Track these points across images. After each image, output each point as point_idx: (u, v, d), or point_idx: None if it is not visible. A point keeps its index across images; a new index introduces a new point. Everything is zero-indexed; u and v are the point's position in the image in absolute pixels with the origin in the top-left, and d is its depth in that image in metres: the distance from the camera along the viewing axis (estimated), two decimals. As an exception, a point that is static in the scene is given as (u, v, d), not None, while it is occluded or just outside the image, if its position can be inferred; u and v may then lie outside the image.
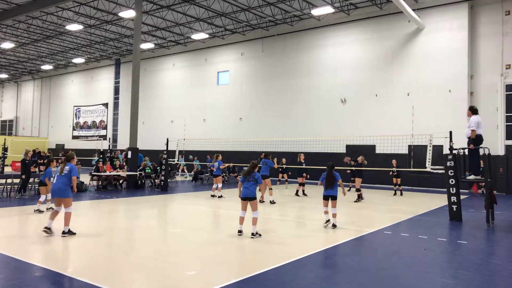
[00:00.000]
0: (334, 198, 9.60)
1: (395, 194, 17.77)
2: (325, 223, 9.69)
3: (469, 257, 7.15)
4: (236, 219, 9.20)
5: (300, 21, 26.42)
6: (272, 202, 13.66)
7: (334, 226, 9.52)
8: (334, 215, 9.61)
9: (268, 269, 6.05)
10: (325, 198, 9.66)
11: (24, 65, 42.18)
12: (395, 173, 17.56)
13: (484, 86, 20.70)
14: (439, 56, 21.40)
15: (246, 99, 29.06)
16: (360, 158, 15.89)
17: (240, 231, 8.43)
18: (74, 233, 8.13)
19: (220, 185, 15.52)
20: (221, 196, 15.28)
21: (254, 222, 8.33)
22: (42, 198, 11.05)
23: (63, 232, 8.00)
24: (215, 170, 15.89)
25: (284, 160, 19.96)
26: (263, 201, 13.82)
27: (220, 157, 15.88)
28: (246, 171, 8.68)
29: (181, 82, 33.20)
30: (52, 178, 8.67)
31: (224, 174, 23.33)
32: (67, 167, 8.23)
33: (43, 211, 10.86)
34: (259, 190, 10.25)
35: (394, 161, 17.70)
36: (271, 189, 14.06)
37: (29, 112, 48.26)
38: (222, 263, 6.51)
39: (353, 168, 16.93)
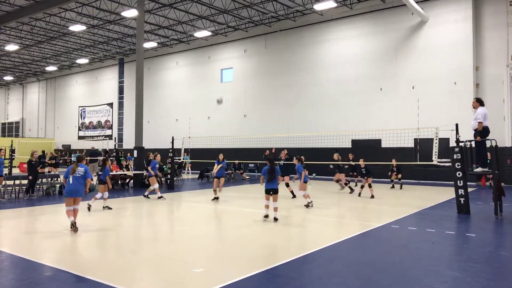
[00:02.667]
0: (275, 192, 9.73)
1: (392, 187, 18.05)
2: (265, 217, 9.81)
3: (478, 250, 7.11)
4: (241, 216, 9.19)
5: (302, 16, 26.32)
6: (216, 198, 13.58)
7: (275, 219, 9.59)
8: (275, 209, 9.72)
9: (275, 265, 6.06)
10: (267, 192, 9.81)
11: (29, 66, 42.43)
12: (395, 171, 17.94)
13: (490, 77, 20.53)
14: (444, 48, 21.23)
15: (250, 96, 29.04)
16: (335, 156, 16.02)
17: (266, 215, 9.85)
18: (77, 228, 8.47)
19: (154, 186, 14.11)
20: (147, 196, 14.24)
21: (275, 210, 9.73)
22: (99, 195, 11.37)
23: (72, 225, 8.51)
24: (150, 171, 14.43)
25: (303, 158, 19.82)
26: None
27: (158, 157, 14.83)
28: (271, 168, 9.80)
29: (185, 80, 33.23)
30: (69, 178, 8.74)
31: (231, 172, 23.31)
32: (81, 169, 8.67)
33: (109, 207, 11.47)
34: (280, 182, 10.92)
35: (394, 160, 18.05)
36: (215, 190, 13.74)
37: (35, 114, 48.56)
38: (230, 260, 6.52)
39: (339, 164, 17.39)
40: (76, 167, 8.68)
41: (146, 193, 14.37)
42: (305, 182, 12.24)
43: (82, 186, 8.65)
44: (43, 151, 22.40)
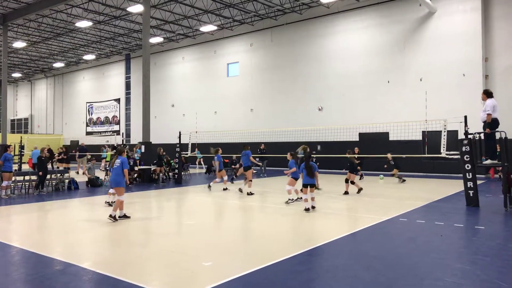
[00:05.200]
0: (312, 186, 10.44)
1: (402, 180, 17.32)
2: (306, 210, 10.32)
3: (487, 242, 7.07)
4: (248, 210, 9.19)
5: (308, 9, 26.13)
6: (250, 194, 13.65)
7: (313, 207, 10.44)
8: (312, 199, 10.52)
9: (283, 259, 6.07)
10: (305, 186, 10.41)
11: (37, 63, 42.71)
12: (392, 164, 17.32)
13: (500, 68, 20.26)
14: (452, 39, 20.97)
15: (256, 90, 28.98)
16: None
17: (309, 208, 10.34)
18: (129, 217, 9.33)
19: (225, 178, 15.37)
20: (226, 189, 15.11)
21: (312, 199, 10.48)
22: (112, 190, 11.20)
23: (119, 217, 9.19)
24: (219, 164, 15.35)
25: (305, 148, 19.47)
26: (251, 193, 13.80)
27: (220, 151, 15.46)
28: (307, 165, 10.36)
29: (191, 75, 33.25)
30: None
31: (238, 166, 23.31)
32: (118, 160, 9.28)
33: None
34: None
35: (389, 155, 17.42)
36: (251, 181, 13.96)
37: (43, 110, 48.97)
38: (238, 254, 6.55)
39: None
40: (115, 160, 9.32)
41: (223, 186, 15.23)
42: (296, 178, 11.69)
43: (119, 176, 9.15)
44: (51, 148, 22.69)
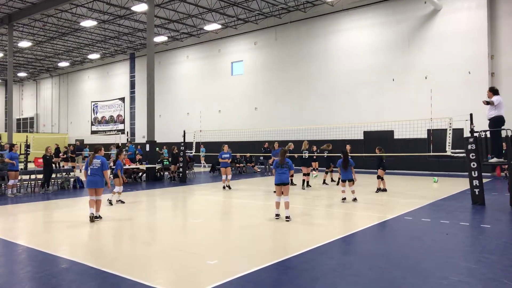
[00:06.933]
0: (350, 180, 11.40)
1: (307, 185, 15.00)
2: (342, 200, 11.47)
3: (493, 241, 7.02)
4: (254, 208, 9.18)
5: (313, 7, 26.06)
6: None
7: (355, 199, 11.42)
8: (353, 192, 11.48)
9: (289, 257, 6.07)
10: (343, 181, 11.52)
11: (42, 63, 42.92)
12: (308, 156, 15.16)
13: (506, 66, 20.11)
14: (458, 37, 20.84)
15: (260, 89, 28.96)
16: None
17: (277, 215, 8.97)
18: (101, 217, 9.04)
19: (229, 176, 15.08)
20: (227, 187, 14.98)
21: (286, 206, 8.79)
22: (117, 189, 11.48)
23: (95, 217, 8.89)
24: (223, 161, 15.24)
25: (314, 148, 18.83)
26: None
27: (228, 148, 15.48)
28: (280, 159, 9.01)
29: (196, 74, 33.28)
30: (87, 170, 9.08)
31: (243, 165, 23.35)
32: (98, 160, 8.90)
33: (122, 201, 11.44)
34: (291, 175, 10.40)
35: (291, 141, 16.59)
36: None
37: (48, 109, 49.22)
38: (243, 252, 6.55)
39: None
40: (93, 159, 8.93)
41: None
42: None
43: (100, 177, 8.87)
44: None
